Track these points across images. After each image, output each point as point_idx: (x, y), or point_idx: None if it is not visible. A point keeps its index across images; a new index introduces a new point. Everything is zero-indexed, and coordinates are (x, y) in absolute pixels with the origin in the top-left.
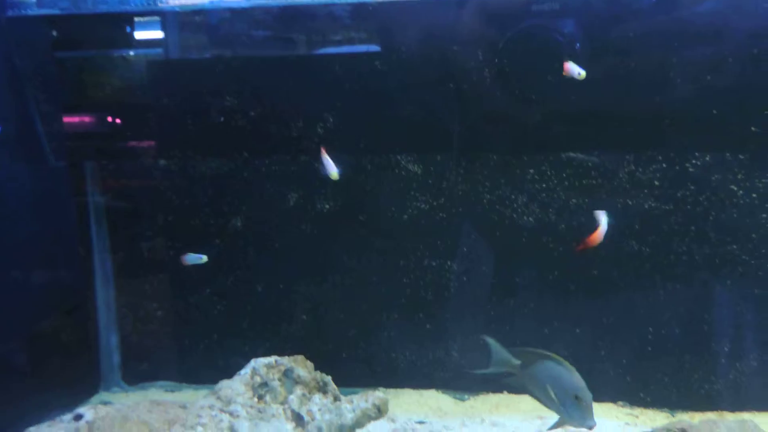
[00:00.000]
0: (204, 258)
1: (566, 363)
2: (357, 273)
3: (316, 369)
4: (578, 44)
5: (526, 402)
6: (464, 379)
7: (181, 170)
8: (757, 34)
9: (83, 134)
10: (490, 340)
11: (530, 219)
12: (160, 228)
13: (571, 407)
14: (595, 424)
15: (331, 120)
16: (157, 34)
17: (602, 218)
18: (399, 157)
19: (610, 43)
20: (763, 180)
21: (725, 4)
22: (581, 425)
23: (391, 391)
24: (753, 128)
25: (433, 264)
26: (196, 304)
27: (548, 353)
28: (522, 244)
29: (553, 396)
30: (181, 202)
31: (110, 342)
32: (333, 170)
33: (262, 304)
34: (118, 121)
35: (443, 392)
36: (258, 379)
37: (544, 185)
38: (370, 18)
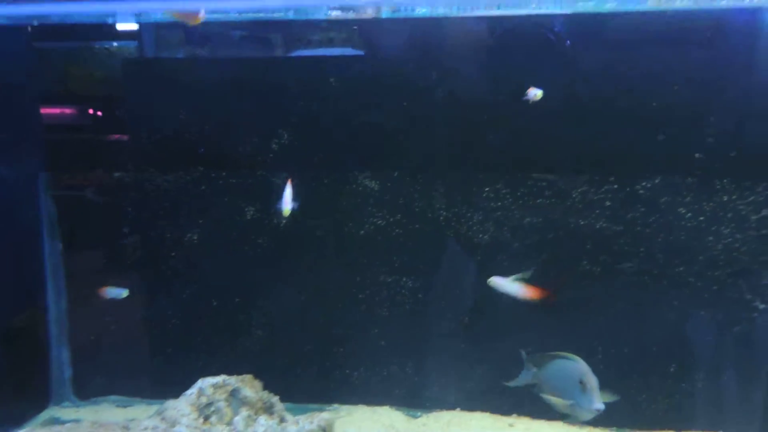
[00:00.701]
0: (125, 293)
1: (572, 356)
2: (312, 288)
3: (270, 385)
4: (568, 42)
5: (477, 419)
6: (418, 397)
7: (137, 183)
8: (705, 62)
9: (38, 144)
10: (525, 356)
11: (485, 237)
12: (115, 240)
13: (577, 394)
14: (602, 407)
15: (286, 136)
16: (113, 43)
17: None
18: (356, 173)
19: (564, 67)
20: (710, 203)
21: (673, 32)
22: (589, 410)
23: (345, 407)
24: (697, 155)
25: (389, 280)
26: (151, 318)
27: (558, 353)
28: (477, 262)
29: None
30: (137, 215)
31: (62, 355)
32: (287, 206)
33: (218, 318)
34: (73, 132)
35: (396, 409)
36: (204, 399)
37: (499, 203)
38: (328, 34)
